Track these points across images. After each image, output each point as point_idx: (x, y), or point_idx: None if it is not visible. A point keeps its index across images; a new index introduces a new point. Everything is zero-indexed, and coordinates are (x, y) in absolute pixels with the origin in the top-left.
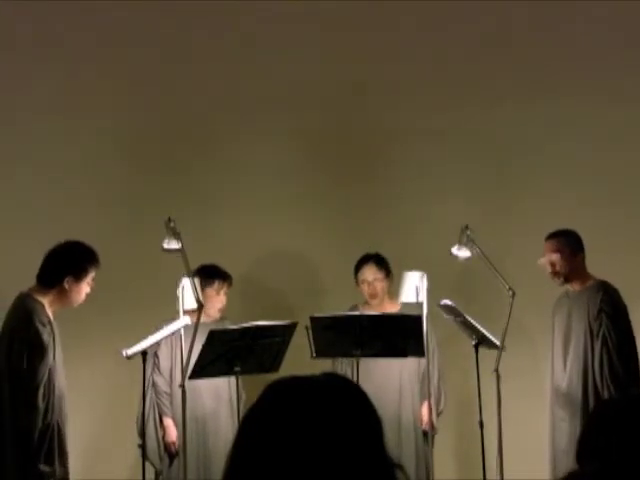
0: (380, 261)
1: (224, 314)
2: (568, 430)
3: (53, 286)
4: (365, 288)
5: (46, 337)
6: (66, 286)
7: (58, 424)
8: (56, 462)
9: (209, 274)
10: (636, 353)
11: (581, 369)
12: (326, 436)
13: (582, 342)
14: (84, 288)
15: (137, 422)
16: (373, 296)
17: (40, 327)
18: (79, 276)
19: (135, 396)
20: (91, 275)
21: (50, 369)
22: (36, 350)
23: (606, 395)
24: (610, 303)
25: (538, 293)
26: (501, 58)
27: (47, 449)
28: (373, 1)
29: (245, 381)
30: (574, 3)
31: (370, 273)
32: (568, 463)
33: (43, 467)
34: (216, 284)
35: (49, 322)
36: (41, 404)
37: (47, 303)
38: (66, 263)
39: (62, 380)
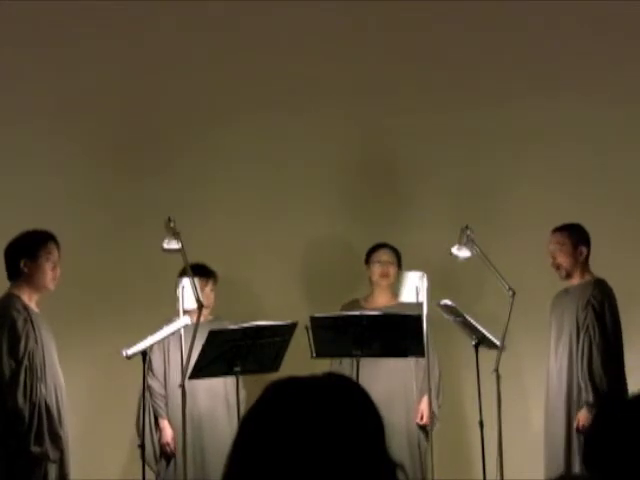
0: (395, 250)
1: (214, 311)
2: (557, 423)
3: (18, 276)
4: (377, 268)
5: (21, 322)
6: (25, 270)
7: (47, 406)
8: (47, 443)
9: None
10: (620, 351)
11: (567, 363)
12: (327, 436)
13: (569, 336)
14: (45, 266)
15: (138, 422)
16: (384, 275)
17: (15, 314)
18: (32, 256)
19: (132, 396)
20: (47, 252)
21: (31, 352)
22: (13, 334)
23: (582, 388)
24: (599, 299)
25: (538, 293)
26: (500, 58)
27: (36, 430)
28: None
29: (245, 380)
30: (575, 3)
31: (386, 255)
32: (555, 456)
33: (34, 448)
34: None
35: (25, 309)
36: (22, 385)
37: (23, 295)
38: (16, 249)
39: (56, 370)
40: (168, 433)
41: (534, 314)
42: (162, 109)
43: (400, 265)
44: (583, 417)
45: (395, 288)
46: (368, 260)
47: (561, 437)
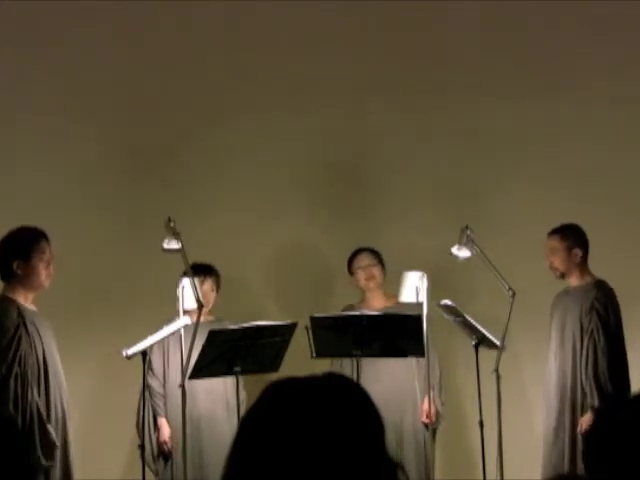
0: (374, 251)
1: (214, 312)
2: (557, 425)
3: (11, 277)
4: (361, 273)
5: (12, 330)
6: (19, 272)
7: (39, 411)
8: (38, 451)
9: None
10: (623, 353)
11: (570, 365)
12: (327, 436)
13: (573, 338)
14: (39, 266)
15: (139, 423)
16: (370, 278)
17: (7, 321)
18: (25, 257)
19: (132, 396)
20: (40, 252)
21: (22, 356)
22: (3, 342)
23: (588, 392)
24: (602, 301)
25: (538, 293)
26: (500, 58)
27: (28, 437)
28: (374, 1)
29: (245, 381)
30: (575, 3)
31: (366, 260)
32: (554, 457)
33: (31, 455)
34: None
35: (19, 313)
36: (13, 392)
37: (19, 297)
38: (9, 250)
39: (57, 369)
40: (165, 431)
41: (534, 314)
42: (162, 109)
43: (383, 264)
44: (587, 421)
45: (394, 289)
46: (350, 269)
47: (564, 439)
